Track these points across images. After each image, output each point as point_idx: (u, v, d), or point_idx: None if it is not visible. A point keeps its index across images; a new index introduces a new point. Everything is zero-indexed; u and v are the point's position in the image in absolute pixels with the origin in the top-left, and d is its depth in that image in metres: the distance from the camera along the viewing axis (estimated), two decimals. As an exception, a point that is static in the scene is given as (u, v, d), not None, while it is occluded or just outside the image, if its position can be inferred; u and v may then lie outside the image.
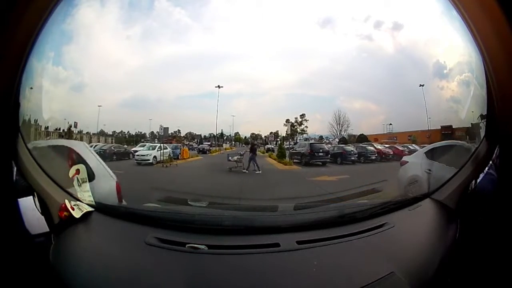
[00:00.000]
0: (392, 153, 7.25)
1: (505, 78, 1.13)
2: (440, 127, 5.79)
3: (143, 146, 7.36)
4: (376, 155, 7.48)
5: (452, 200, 1.55)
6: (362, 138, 7.97)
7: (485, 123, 1.44)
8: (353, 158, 7.53)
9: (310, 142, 8.27)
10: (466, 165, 1.55)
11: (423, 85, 5.33)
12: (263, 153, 9.31)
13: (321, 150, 7.72)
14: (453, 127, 5.25)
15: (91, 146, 5.64)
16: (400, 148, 7.04)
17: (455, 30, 1.91)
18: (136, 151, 7.25)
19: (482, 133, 1.47)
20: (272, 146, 9.53)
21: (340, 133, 7.98)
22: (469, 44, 1.25)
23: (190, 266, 1.14)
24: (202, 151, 9.46)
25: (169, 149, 7.28)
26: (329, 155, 7.62)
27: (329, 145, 8.21)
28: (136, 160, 6.94)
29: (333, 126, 7.91)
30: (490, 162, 1.40)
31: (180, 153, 7.74)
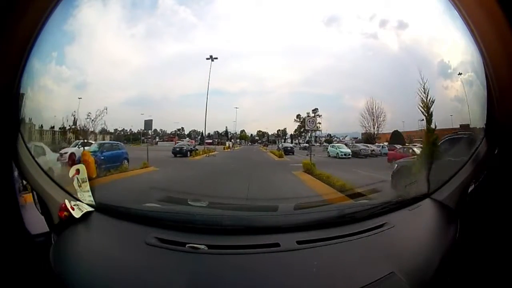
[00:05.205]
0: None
1: (505, 78, 1.13)
2: (459, 126, 5.41)
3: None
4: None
5: (452, 200, 1.54)
6: (397, 136, 5.56)
7: (485, 123, 1.43)
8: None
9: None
10: (466, 165, 1.55)
11: (461, 74, 4.17)
12: (280, 157, 6.25)
13: None
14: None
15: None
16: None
17: (455, 29, 1.91)
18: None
19: (482, 133, 1.47)
20: (291, 145, 6.71)
21: (375, 128, 5.53)
22: (469, 43, 1.25)
23: (190, 266, 1.14)
24: (180, 153, 6.17)
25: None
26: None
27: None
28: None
29: (365, 119, 5.35)
30: (490, 162, 1.40)
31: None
